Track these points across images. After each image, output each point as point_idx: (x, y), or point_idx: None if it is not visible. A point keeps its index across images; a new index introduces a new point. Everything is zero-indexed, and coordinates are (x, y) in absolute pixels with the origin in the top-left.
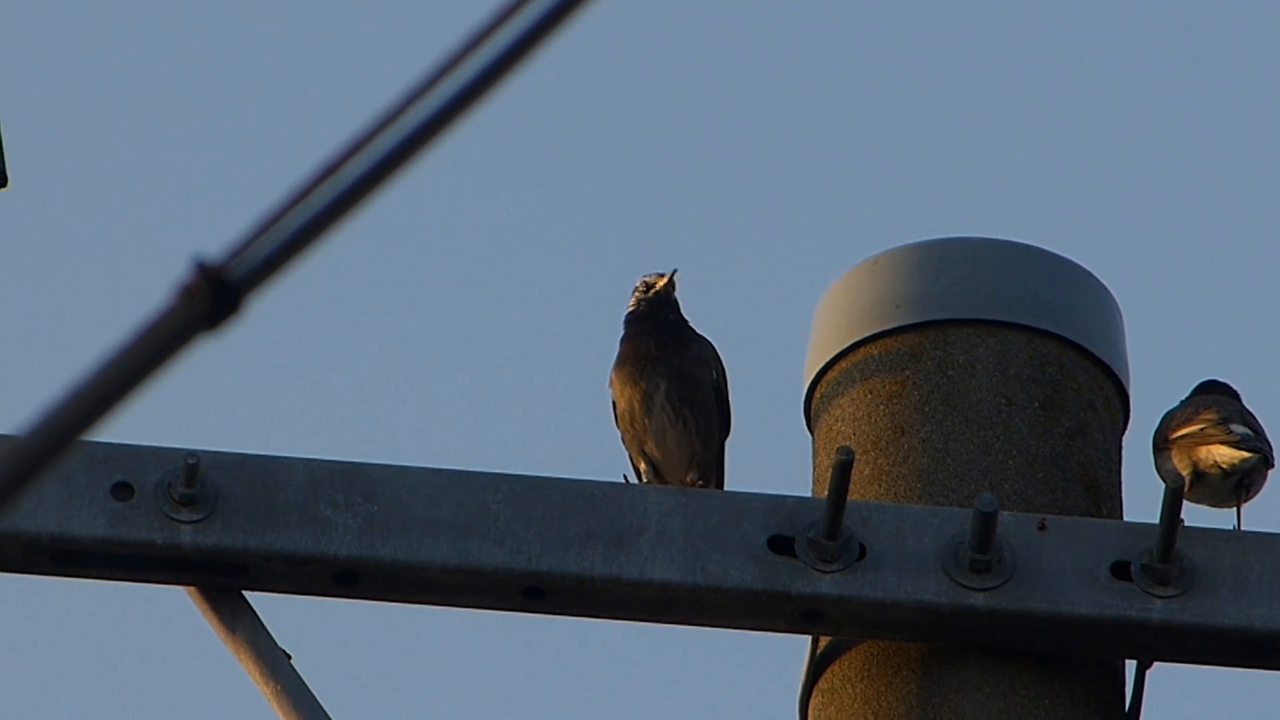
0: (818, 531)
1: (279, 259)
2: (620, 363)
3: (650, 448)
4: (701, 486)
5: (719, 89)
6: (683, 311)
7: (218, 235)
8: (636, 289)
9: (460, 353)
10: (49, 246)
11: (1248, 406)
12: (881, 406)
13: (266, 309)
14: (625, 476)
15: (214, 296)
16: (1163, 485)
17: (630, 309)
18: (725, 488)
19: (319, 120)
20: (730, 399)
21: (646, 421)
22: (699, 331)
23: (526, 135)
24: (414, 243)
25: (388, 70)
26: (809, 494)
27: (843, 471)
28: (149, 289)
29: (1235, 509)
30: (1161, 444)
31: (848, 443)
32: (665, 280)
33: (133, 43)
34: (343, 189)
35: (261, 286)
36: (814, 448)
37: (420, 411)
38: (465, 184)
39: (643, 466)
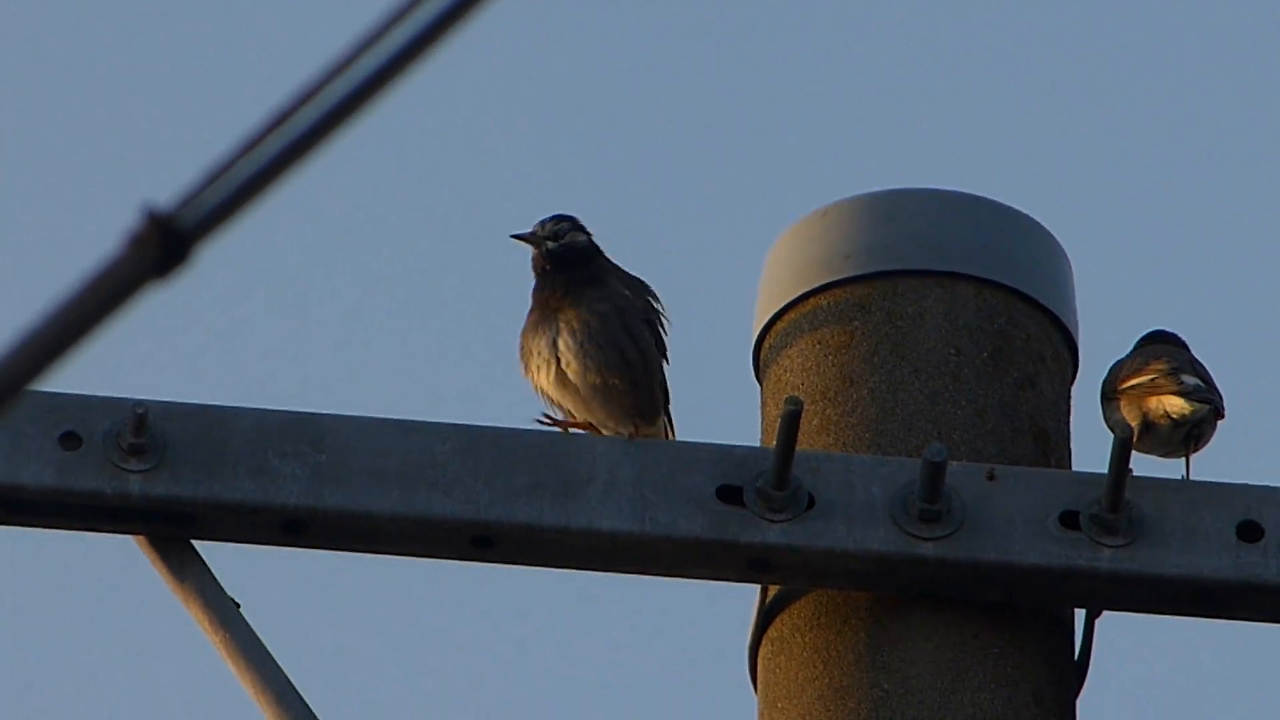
0: (766, 481)
1: (229, 207)
2: (525, 328)
3: (564, 404)
4: (648, 433)
5: (671, 37)
6: (598, 256)
7: (167, 184)
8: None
9: (410, 302)
10: None
11: (1196, 357)
12: (830, 357)
13: (216, 257)
14: (546, 417)
15: (164, 245)
16: (1111, 435)
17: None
18: (673, 420)
19: (269, 68)
20: (664, 326)
21: (560, 383)
22: (621, 270)
23: (474, 82)
24: (363, 191)
25: (339, 19)
26: (758, 444)
27: (791, 421)
28: (98, 238)
29: (1184, 459)
30: (1110, 394)
31: (796, 393)
32: (531, 242)
33: None
34: (293, 138)
35: (211, 235)
36: (763, 398)
37: (369, 361)
38: (416, 130)
39: (578, 418)
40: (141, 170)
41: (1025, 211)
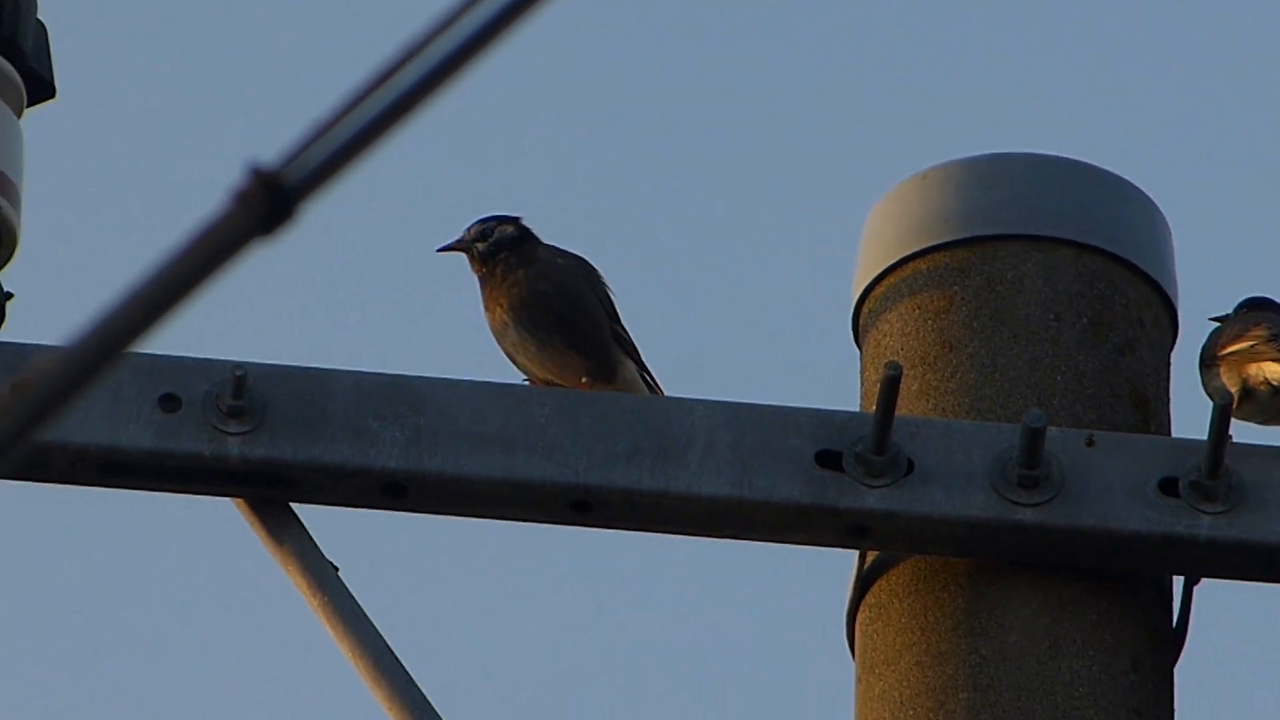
0: (866, 446)
1: (334, 165)
2: (484, 316)
3: (541, 374)
4: (594, 385)
5: (770, 2)
6: (525, 237)
7: (272, 141)
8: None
9: None
10: (101, 156)
11: None
12: (929, 322)
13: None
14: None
15: (269, 202)
16: (1210, 402)
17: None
18: (641, 362)
19: (375, 25)
20: (607, 288)
21: (523, 358)
22: (557, 248)
23: (579, 42)
24: (466, 151)
25: None
26: (857, 409)
27: (891, 386)
28: (203, 196)
29: None
30: (1209, 360)
31: (896, 358)
32: (460, 249)
33: None
34: (398, 95)
35: (316, 193)
36: (862, 363)
37: (469, 324)
38: (521, 89)
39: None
40: (246, 127)
41: (1124, 176)
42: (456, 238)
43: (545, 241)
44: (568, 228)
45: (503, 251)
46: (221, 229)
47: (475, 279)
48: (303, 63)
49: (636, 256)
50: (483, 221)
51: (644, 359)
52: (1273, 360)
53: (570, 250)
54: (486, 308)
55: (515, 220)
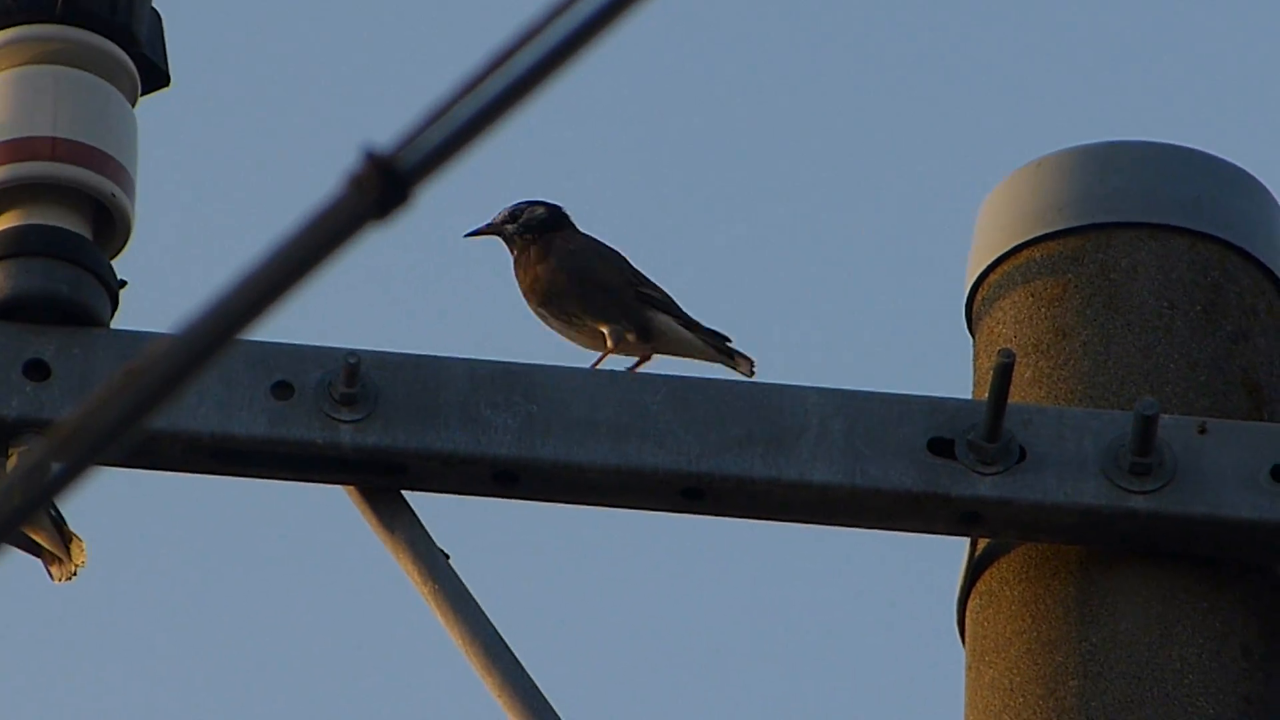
0: (978, 434)
1: (448, 148)
2: (522, 293)
3: (591, 347)
4: (632, 346)
5: None
6: (554, 218)
7: (388, 125)
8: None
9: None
10: (216, 143)
11: None
12: (1043, 309)
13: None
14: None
15: (384, 186)
16: None
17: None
18: (681, 314)
19: (491, 9)
20: (618, 256)
21: (562, 336)
22: (565, 232)
23: (693, 26)
24: (582, 136)
25: None
26: (969, 396)
27: (1004, 373)
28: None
29: None
30: None
31: (1009, 345)
32: (491, 233)
33: None
34: (513, 79)
35: (431, 176)
36: (975, 350)
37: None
38: (634, 72)
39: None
40: (362, 112)
41: (1238, 164)
42: (488, 221)
43: (575, 225)
44: (681, 214)
45: (531, 233)
46: (336, 213)
47: (509, 261)
48: (419, 46)
49: (754, 244)
50: (513, 207)
51: (684, 310)
52: None
53: (593, 235)
54: (525, 292)
55: (546, 204)
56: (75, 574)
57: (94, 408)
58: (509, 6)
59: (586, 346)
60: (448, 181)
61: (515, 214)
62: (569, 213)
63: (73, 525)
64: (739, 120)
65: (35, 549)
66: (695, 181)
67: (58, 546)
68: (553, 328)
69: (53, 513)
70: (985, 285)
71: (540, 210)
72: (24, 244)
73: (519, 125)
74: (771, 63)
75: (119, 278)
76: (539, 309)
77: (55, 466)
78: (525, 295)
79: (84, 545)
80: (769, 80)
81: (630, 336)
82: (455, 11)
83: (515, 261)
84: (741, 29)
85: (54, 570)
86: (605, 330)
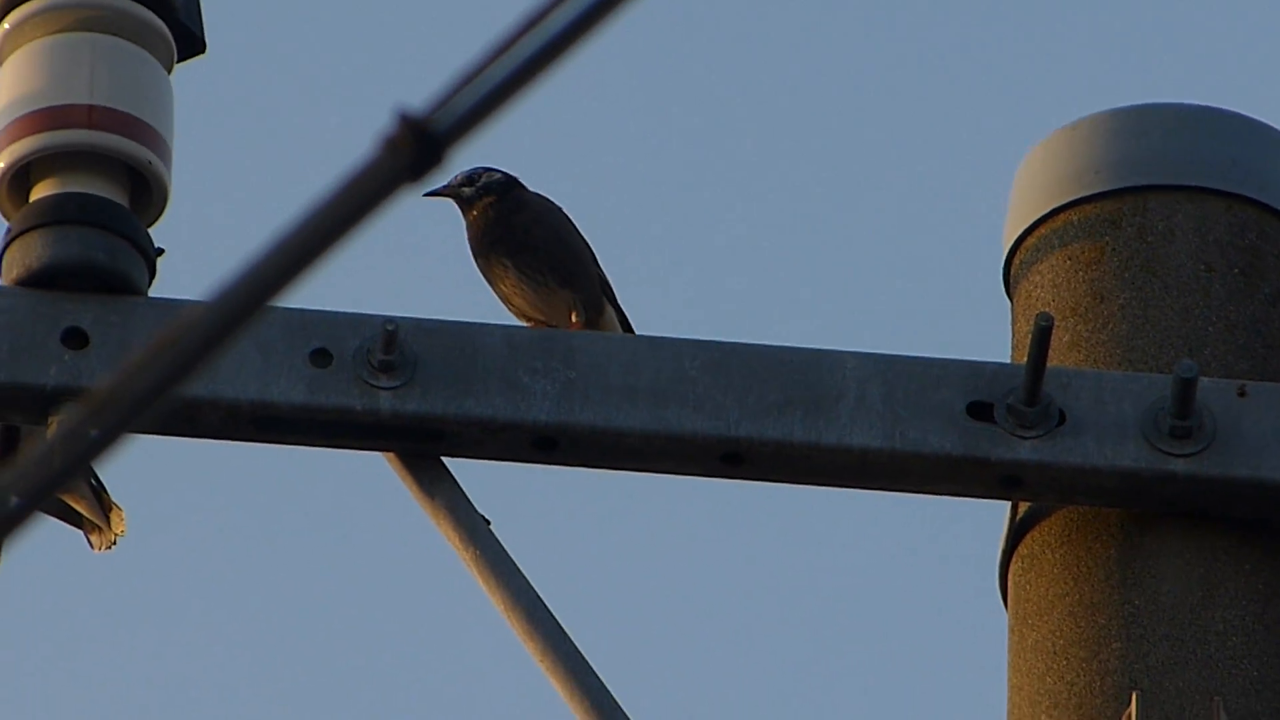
0: (1017, 398)
1: (482, 111)
2: (475, 261)
3: (536, 315)
4: (589, 323)
5: None
6: (511, 183)
7: (421, 87)
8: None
9: (649, 215)
10: (251, 109)
11: None
12: (1081, 273)
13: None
14: (529, 320)
15: (418, 148)
16: None
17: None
18: (623, 311)
19: None
20: (582, 232)
21: (519, 300)
22: (532, 192)
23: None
24: (616, 102)
25: None
26: (1008, 360)
27: (1042, 337)
28: (355, 145)
29: None
30: None
31: (1047, 309)
32: (447, 195)
33: None
34: (546, 40)
35: (465, 139)
36: (1013, 314)
37: (614, 278)
38: (669, 38)
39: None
40: (396, 75)
41: (1275, 126)
42: (444, 183)
43: (530, 189)
44: (719, 178)
45: (490, 195)
46: (370, 175)
47: (464, 223)
48: (451, 7)
49: (791, 209)
50: (470, 169)
51: (619, 301)
52: None
53: (550, 198)
54: (477, 252)
55: (502, 170)
56: (115, 543)
57: (129, 374)
58: None
59: (526, 313)
60: (482, 144)
61: (472, 177)
62: (524, 183)
63: (113, 494)
64: (778, 84)
65: (75, 518)
66: (733, 144)
67: (97, 515)
68: (502, 288)
69: (93, 481)
70: (1022, 249)
71: (497, 175)
72: (61, 212)
73: (553, 87)
74: (812, 24)
75: (156, 246)
76: (500, 260)
77: (91, 433)
78: (484, 251)
79: (124, 514)
80: (809, 42)
81: (582, 317)
82: None
83: (471, 223)
84: None
85: (94, 539)
86: (570, 299)
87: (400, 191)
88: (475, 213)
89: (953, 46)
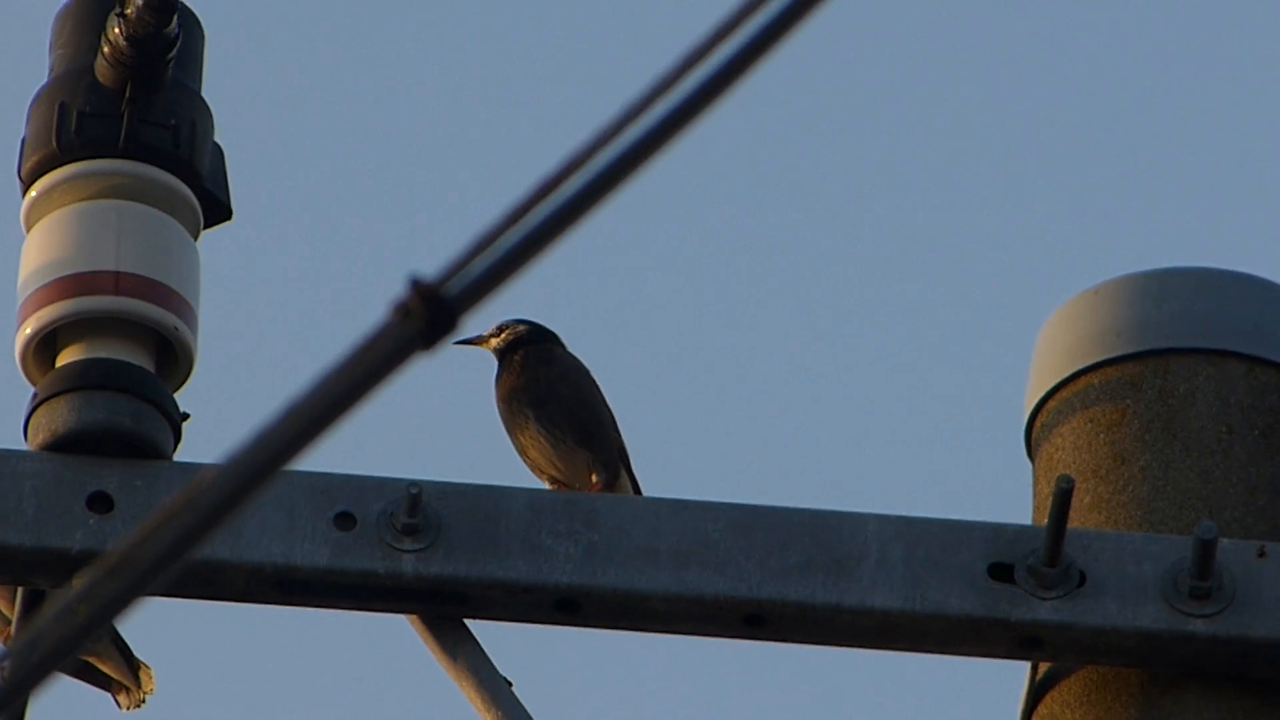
0: (1038, 559)
1: (495, 277)
2: (498, 408)
3: (551, 471)
4: (607, 486)
5: (943, 113)
6: (545, 337)
7: (434, 255)
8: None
9: (670, 377)
10: (272, 274)
11: None
12: (1102, 435)
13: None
14: (553, 481)
15: (430, 314)
16: None
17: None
18: (635, 479)
19: (535, 139)
20: (606, 397)
21: (535, 453)
22: (563, 350)
23: (752, 140)
24: (627, 263)
25: (602, 88)
26: (1029, 522)
27: (1063, 499)
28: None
29: None
30: None
31: (1068, 471)
32: (479, 344)
33: (348, 69)
34: (559, 206)
35: (478, 305)
36: (1034, 476)
37: (635, 441)
38: (677, 198)
39: (548, 484)
40: (407, 240)
41: None
42: (478, 333)
43: (564, 347)
44: (740, 336)
45: (520, 348)
46: (383, 341)
47: (493, 374)
48: (466, 175)
49: (813, 371)
50: (502, 321)
51: (633, 467)
52: None
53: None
54: (503, 399)
55: (531, 322)
56: (144, 702)
57: (144, 535)
58: (552, 139)
59: (541, 466)
60: (496, 309)
61: (501, 329)
62: (555, 335)
63: (139, 654)
64: (797, 244)
65: (102, 680)
66: (754, 304)
67: (125, 675)
68: (522, 439)
69: (119, 642)
70: (1044, 411)
71: (523, 328)
72: (87, 378)
73: (564, 253)
74: (832, 180)
75: (182, 410)
76: (522, 410)
77: (108, 593)
78: (507, 399)
79: (152, 673)
80: (830, 199)
81: (602, 479)
82: (499, 141)
83: (501, 371)
84: (800, 146)
85: (121, 699)
86: (589, 460)
87: (413, 357)
88: (504, 363)
89: (976, 209)
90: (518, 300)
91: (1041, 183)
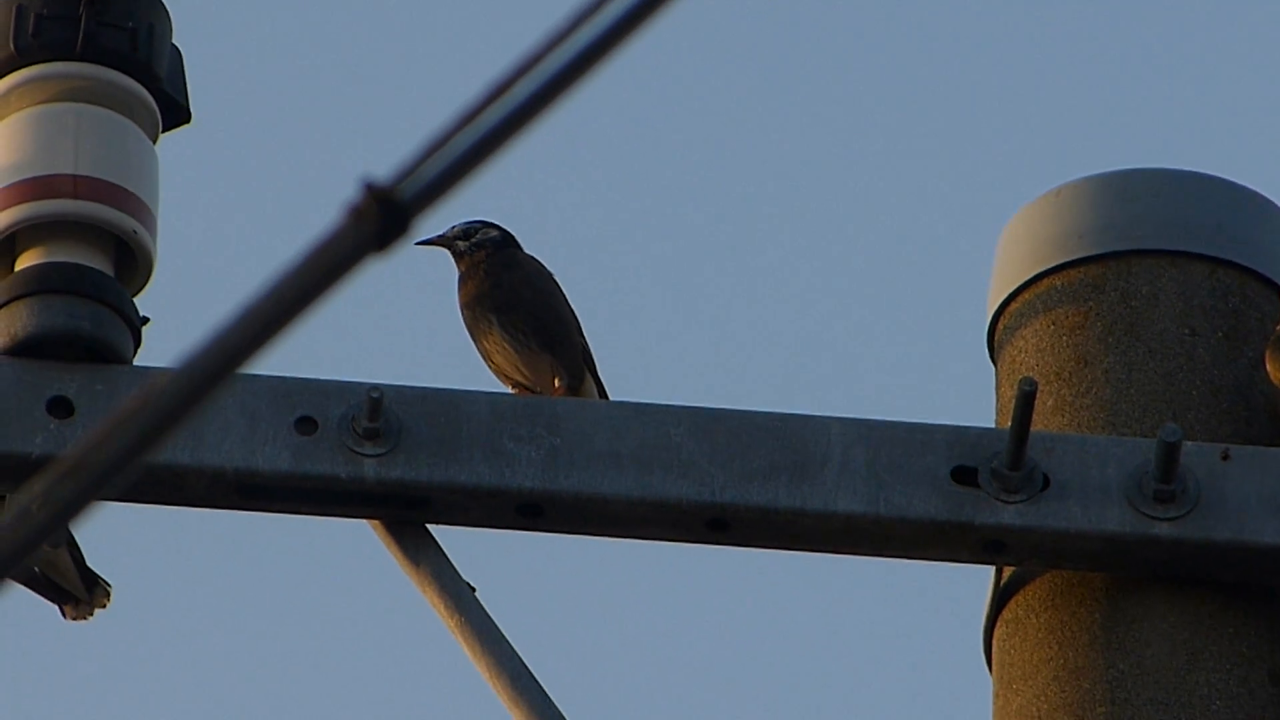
0: (1001, 462)
1: (448, 180)
2: (461, 313)
3: (515, 375)
4: (571, 390)
5: (905, 14)
6: (507, 241)
7: (387, 157)
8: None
9: (631, 280)
10: (231, 177)
11: None
12: (1065, 337)
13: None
14: (515, 386)
15: (383, 217)
16: None
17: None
18: (601, 382)
19: (489, 40)
20: (569, 301)
21: (499, 358)
22: (525, 253)
23: (706, 43)
24: (583, 168)
25: None
26: (993, 425)
27: (1026, 402)
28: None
29: None
30: None
31: (1031, 373)
32: (441, 244)
33: None
34: (511, 109)
35: (431, 208)
36: (997, 379)
37: (602, 343)
38: (631, 98)
39: (512, 389)
40: (360, 143)
41: (1258, 190)
42: (439, 233)
43: (525, 250)
44: (700, 240)
45: (483, 251)
46: (336, 244)
47: (455, 278)
48: (420, 78)
49: (776, 275)
50: (467, 222)
51: (598, 371)
52: None
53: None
54: (464, 304)
55: (500, 226)
56: (92, 614)
57: (100, 439)
58: (507, 38)
59: (505, 371)
60: (451, 212)
61: (469, 231)
62: (516, 239)
63: (95, 561)
64: (754, 149)
65: (56, 593)
66: (715, 209)
67: (78, 588)
68: (485, 344)
69: (76, 556)
70: (1007, 314)
71: (494, 232)
72: (46, 281)
73: (518, 156)
74: (792, 89)
75: (141, 314)
76: (486, 315)
77: (64, 495)
78: (471, 305)
79: (111, 590)
80: (786, 107)
81: (566, 383)
82: (453, 42)
83: (463, 275)
84: (757, 49)
85: (68, 610)
86: (552, 363)
87: (366, 260)
88: (467, 266)
89: (937, 112)
90: (472, 203)
91: (1004, 84)
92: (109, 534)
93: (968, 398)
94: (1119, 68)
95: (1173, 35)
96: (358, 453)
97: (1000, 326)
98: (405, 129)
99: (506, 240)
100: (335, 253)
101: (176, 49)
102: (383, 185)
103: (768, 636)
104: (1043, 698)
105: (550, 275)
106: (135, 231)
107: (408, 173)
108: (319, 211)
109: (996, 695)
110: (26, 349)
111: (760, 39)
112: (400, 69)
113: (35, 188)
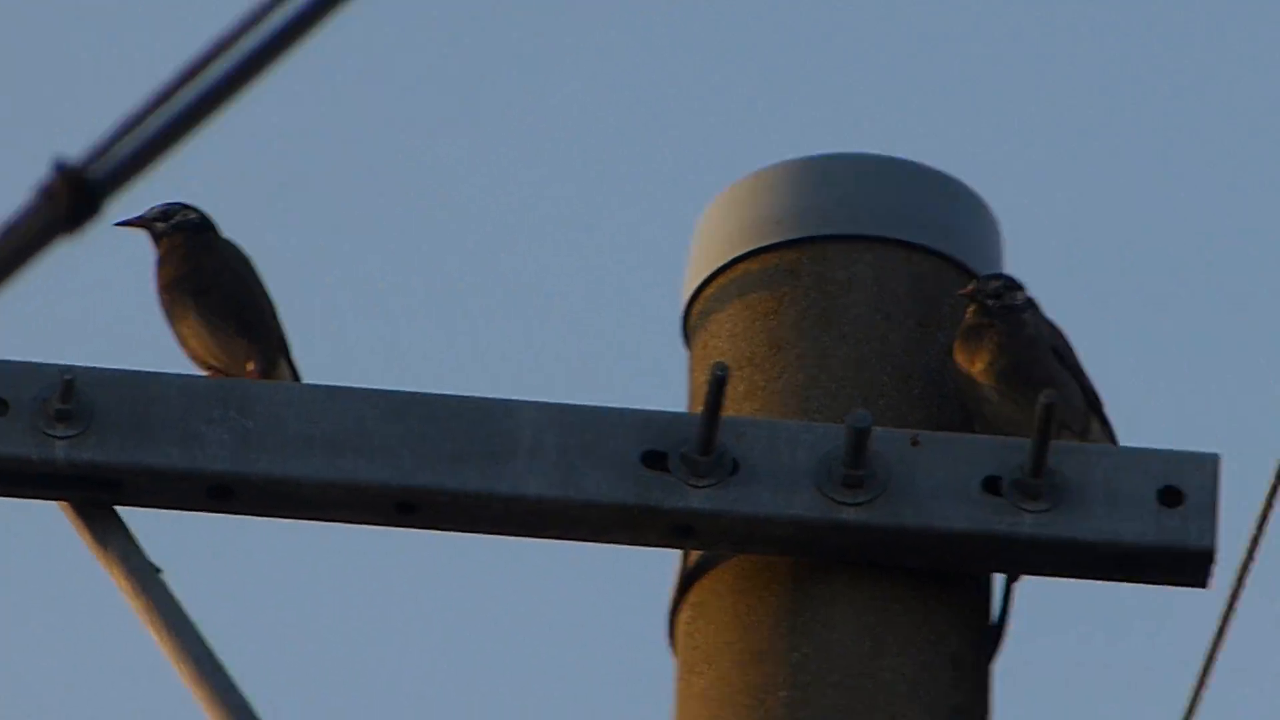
0: (691, 447)
1: (140, 161)
2: (159, 296)
3: (211, 360)
4: (264, 374)
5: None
6: (206, 224)
7: (78, 137)
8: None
9: (326, 259)
10: None
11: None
12: (758, 323)
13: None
14: (209, 368)
15: (75, 198)
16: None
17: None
18: (296, 368)
19: (181, 20)
20: (266, 286)
21: (195, 343)
22: (224, 238)
23: (389, 29)
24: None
25: None
26: (685, 410)
27: (717, 386)
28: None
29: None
30: None
31: (724, 359)
32: (140, 225)
33: None
34: (204, 90)
35: (122, 188)
36: (690, 364)
37: (295, 325)
38: (332, 86)
39: (207, 373)
40: (52, 124)
41: (955, 176)
42: (138, 214)
43: (223, 235)
44: (395, 222)
45: (182, 234)
46: (26, 225)
47: (152, 260)
48: (112, 58)
49: (470, 255)
50: (167, 204)
51: (292, 356)
52: None
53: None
54: (163, 288)
55: (199, 210)
56: None
57: None
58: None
59: (201, 356)
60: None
61: (168, 213)
62: (218, 225)
63: None
64: (462, 123)
65: None
66: (414, 189)
67: None
68: (182, 330)
69: None
70: (701, 298)
71: (193, 215)
72: None
73: (211, 137)
74: (500, 55)
75: None
76: (183, 299)
77: None
78: (169, 288)
79: None
80: (497, 76)
81: (259, 367)
82: (146, 22)
83: (161, 258)
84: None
85: None
86: (247, 348)
87: (57, 241)
88: (165, 248)
89: (637, 92)
90: (172, 186)
91: (704, 67)
92: None
93: (662, 384)
94: (818, 51)
95: (875, 20)
96: (49, 435)
97: (695, 311)
98: (98, 110)
99: (205, 224)
100: (26, 233)
101: None
102: (74, 165)
103: (457, 618)
104: (725, 681)
105: (248, 260)
106: None
107: (100, 153)
108: (9, 192)
109: (679, 678)
110: None
111: (444, 24)
112: (94, 49)
113: None
